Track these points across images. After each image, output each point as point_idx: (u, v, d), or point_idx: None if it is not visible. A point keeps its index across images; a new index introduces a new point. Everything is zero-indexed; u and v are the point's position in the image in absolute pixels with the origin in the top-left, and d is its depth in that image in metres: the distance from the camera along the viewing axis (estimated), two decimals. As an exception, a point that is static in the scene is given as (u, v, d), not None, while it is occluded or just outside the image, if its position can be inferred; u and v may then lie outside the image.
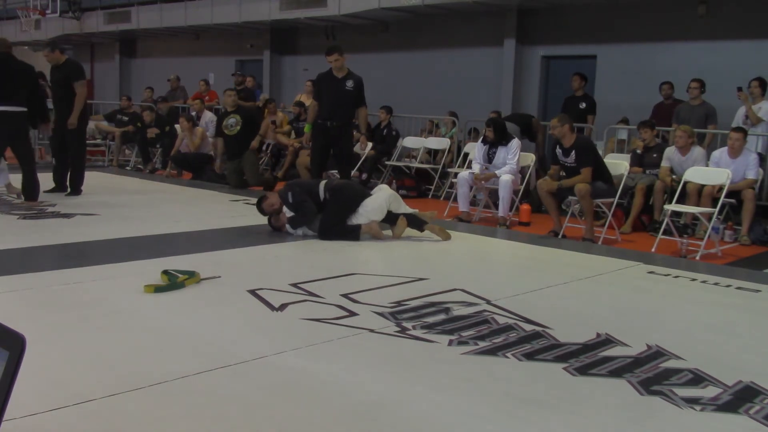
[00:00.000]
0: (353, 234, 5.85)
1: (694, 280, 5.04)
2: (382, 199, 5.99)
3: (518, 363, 3.11)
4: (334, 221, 5.86)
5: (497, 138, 7.55)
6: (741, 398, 2.80)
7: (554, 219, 6.71)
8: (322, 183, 6.06)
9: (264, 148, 11.23)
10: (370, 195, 6.08)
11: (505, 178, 7.29)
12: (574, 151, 6.53)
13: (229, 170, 9.28)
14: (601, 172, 6.58)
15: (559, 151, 6.68)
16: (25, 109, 7.02)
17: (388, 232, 5.99)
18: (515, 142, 7.51)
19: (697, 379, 2.99)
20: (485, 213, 7.82)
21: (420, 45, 13.04)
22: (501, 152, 7.49)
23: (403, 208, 6.16)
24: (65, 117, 7.77)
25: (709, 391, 2.86)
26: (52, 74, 7.95)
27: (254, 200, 6.59)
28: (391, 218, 5.97)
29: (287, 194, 5.93)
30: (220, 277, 4.35)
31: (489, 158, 7.60)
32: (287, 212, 5.96)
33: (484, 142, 7.72)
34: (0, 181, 7.80)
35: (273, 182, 9.42)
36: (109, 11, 17.50)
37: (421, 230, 6.04)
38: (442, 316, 3.75)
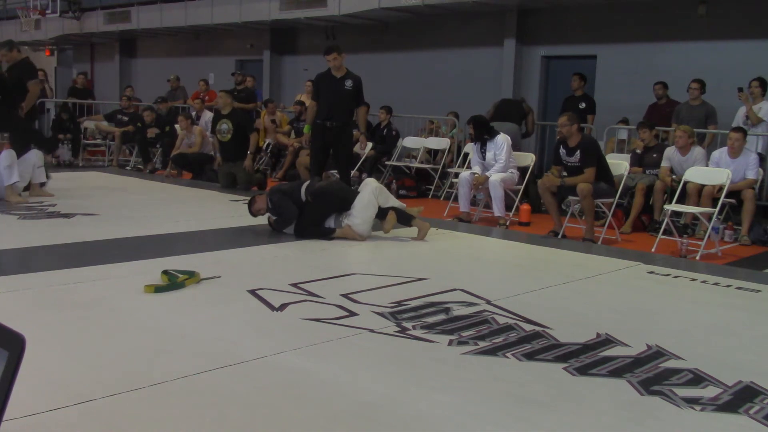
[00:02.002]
0: (326, 236, 5.86)
1: (694, 280, 5.04)
2: (368, 193, 6.00)
3: (518, 363, 3.11)
4: (308, 223, 5.90)
5: (478, 134, 7.57)
6: (741, 398, 2.80)
7: (554, 219, 6.71)
8: (304, 185, 6.10)
9: (264, 147, 11.23)
10: (358, 193, 6.09)
11: (494, 178, 7.28)
12: (578, 151, 6.52)
13: (221, 172, 9.35)
14: (604, 173, 6.58)
15: (562, 150, 6.67)
16: None
17: (379, 232, 5.99)
18: (500, 137, 7.48)
19: (697, 379, 2.99)
20: (485, 213, 7.82)
21: (420, 45, 13.03)
22: (490, 149, 7.49)
23: (392, 201, 6.20)
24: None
25: (709, 391, 2.86)
26: (8, 72, 7.97)
27: (254, 201, 6.61)
28: (380, 212, 5.99)
29: (269, 200, 6.04)
30: (220, 277, 4.35)
31: (483, 156, 7.61)
32: (271, 216, 6.06)
33: (473, 140, 7.75)
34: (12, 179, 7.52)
35: (263, 181, 9.44)
36: (109, 11, 17.48)
37: (410, 225, 6.08)
38: (442, 316, 3.75)
